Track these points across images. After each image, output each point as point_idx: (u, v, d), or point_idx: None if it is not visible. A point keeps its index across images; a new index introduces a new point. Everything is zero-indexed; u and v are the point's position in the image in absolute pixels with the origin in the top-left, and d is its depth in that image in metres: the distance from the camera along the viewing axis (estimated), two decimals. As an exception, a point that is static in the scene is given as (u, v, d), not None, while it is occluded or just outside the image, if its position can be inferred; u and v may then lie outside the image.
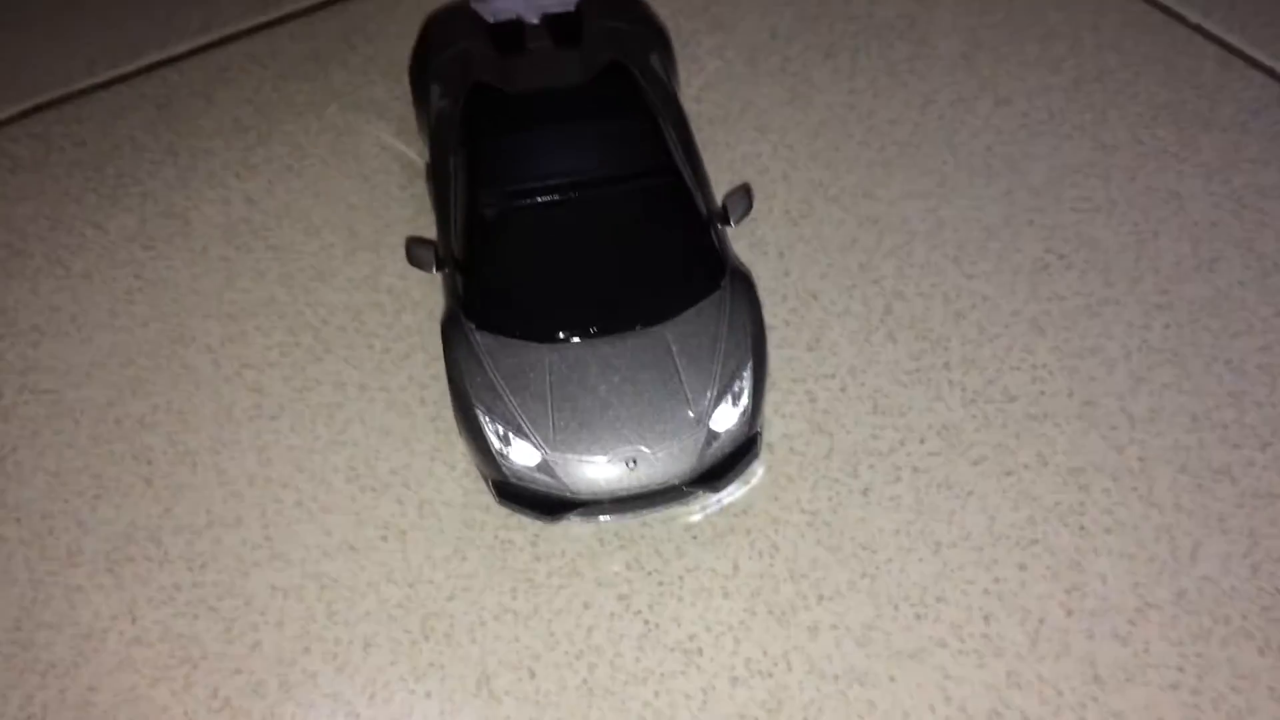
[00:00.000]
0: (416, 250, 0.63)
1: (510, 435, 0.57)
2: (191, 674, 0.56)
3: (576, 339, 0.59)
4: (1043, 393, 0.65)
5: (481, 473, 0.60)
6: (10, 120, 0.84)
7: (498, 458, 0.57)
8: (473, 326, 0.60)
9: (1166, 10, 0.85)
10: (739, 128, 0.80)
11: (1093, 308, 0.68)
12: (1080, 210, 0.73)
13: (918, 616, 0.56)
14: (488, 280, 0.61)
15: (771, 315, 0.68)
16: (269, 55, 0.87)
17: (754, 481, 0.61)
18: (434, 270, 0.63)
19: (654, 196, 0.63)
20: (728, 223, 0.64)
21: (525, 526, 0.60)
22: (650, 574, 0.58)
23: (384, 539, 0.60)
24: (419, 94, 0.74)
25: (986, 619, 0.56)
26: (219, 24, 0.90)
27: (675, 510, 0.60)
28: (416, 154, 0.78)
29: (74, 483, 0.63)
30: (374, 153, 0.80)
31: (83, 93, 0.85)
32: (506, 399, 0.58)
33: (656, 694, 0.55)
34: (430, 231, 0.73)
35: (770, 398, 0.64)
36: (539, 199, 0.63)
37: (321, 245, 0.74)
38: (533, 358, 0.59)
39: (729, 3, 0.88)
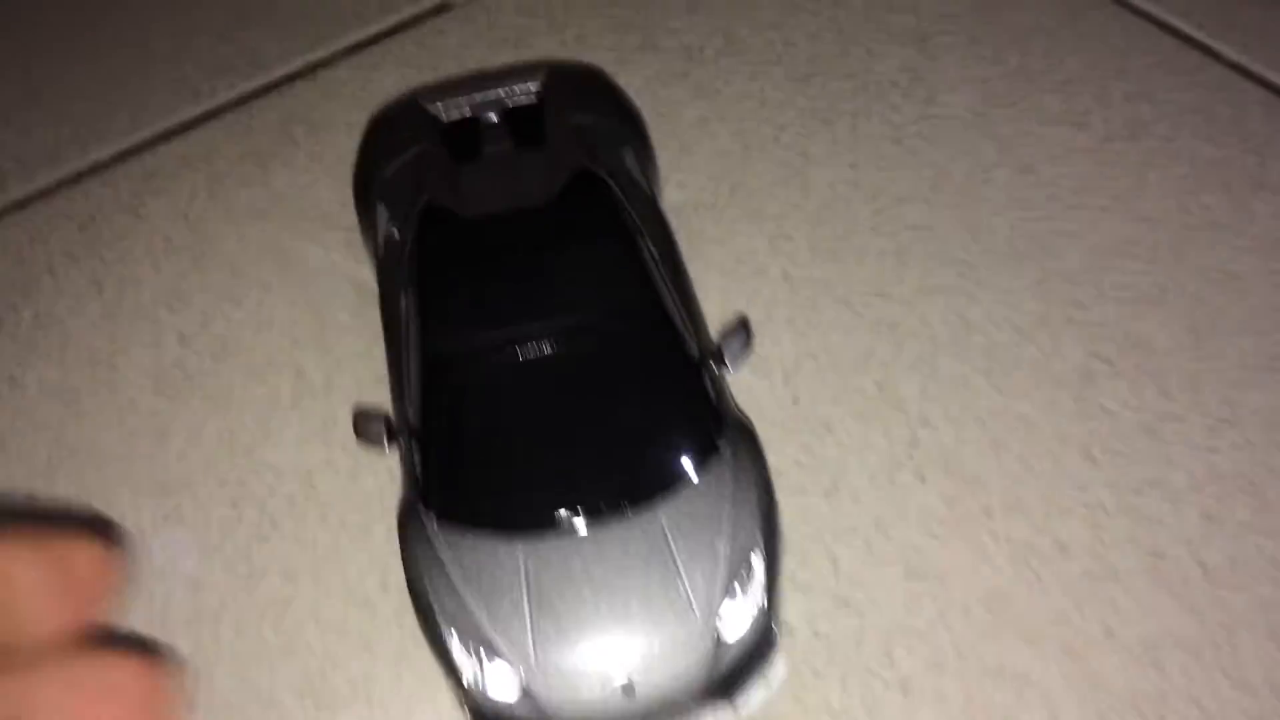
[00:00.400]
0: (365, 424, 0.54)
1: (484, 655, 0.49)
2: None
3: (556, 530, 0.50)
4: (1102, 542, 0.56)
5: (456, 695, 0.51)
6: (-87, 254, 0.75)
7: (471, 688, 0.49)
8: (433, 519, 0.51)
9: (1202, 47, 0.75)
10: (730, 216, 0.70)
11: (1150, 425, 0.59)
12: (1125, 301, 0.64)
13: None
14: (448, 459, 0.52)
15: (780, 455, 0.59)
16: (203, 156, 0.78)
17: (774, 681, 0.52)
18: (386, 448, 0.54)
19: (637, 342, 0.54)
20: (724, 365, 0.55)
21: (509, 752, 0.52)
22: (657, 807, 0.50)
23: (347, 776, 0.52)
24: (364, 213, 0.65)
25: None
26: (147, 121, 0.81)
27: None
28: (369, 272, 0.69)
29: None
30: (322, 270, 0.71)
31: (-6, 215, 0.76)
32: (477, 612, 0.49)
33: None
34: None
35: (786, 562, 0.55)
36: (503, 353, 0.53)
37: (265, 391, 0.65)
38: (505, 556, 0.50)
39: (710, 65, 0.79)
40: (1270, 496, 0.56)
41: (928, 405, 0.61)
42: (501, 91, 0.66)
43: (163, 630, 0.57)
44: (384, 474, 0.61)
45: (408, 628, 0.55)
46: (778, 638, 0.51)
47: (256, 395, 0.65)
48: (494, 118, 0.65)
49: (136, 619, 0.57)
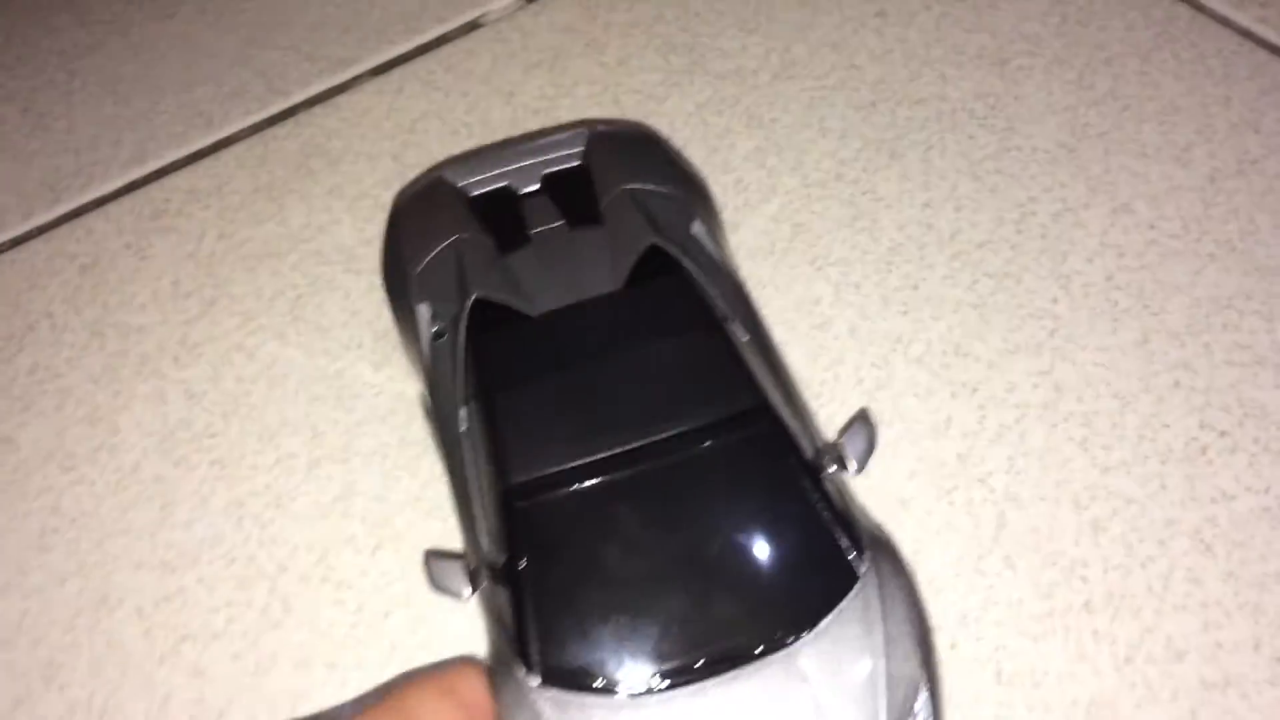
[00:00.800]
0: (438, 567, 0.46)
1: None
2: None
3: (680, 685, 0.42)
4: (1220, 645, 0.49)
5: None
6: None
7: None
8: (532, 680, 0.43)
9: (1315, 71, 0.68)
10: (790, 262, 0.64)
11: (1273, 511, 0.52)
12: (1239, 364, 0.57)
13: None
14: (545, 610, 0.44)
15: (851, 538, 0.53)
16: (213, 189, 0.72)
17: None
18: (469, 596, 0.46)
19: (747, 450, 0.46)
20: (846, 469, 0.47)
21: None
22: None
23: None
24: (401, 316, 0.57)
25: None
26: (154, 150, 0.75)
27: None
28: (389, 322, 0.63)
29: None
30: (341, 320, 0.65)
31: (-10, 253, 0.71)
32: None
33: None
34: (415, 435, 0.58)
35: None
36: (595, 476, 0.45)
37: (278, 456, 0.59)
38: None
39: (765, 90, 0.72)
40: None
41: (1016, 481, 0.54)
42: (539, 156, 0.59)
43: (160, 734, 0.51)
44: (406, 549, 0.55)
45: (433, 736, 0.49)
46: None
47: (268, 461, 0.59)
48: (534, 186, 0.58)
49: (134, 716, 0.51)
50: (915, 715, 0.42)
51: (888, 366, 0.59)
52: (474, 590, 0.46)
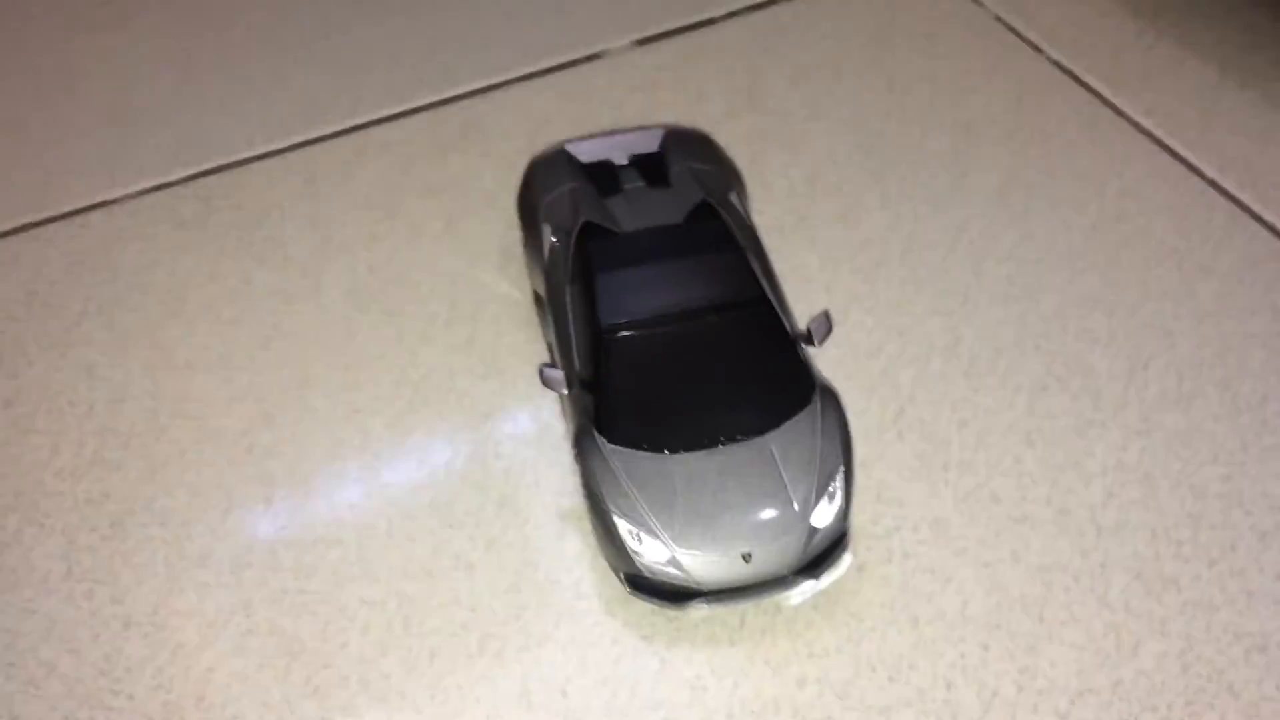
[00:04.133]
0: (548, 373, 0.73)
1: (642, 535, 0.68)
2: (291, 664, 0.69)
3: (696, 450, 0.70)
4: (1025, 498, 0.75)
5: (613, 566, 0.70)
6: (178, 182, 0.99)
7: (632, 555, 0.68)
8: (605, 441, 0.71)
9: (1186, 163, 0.95)
10: (793, 239, 0.92)
11: (1080, 428, 0.79)
12: (1083, 340, 0.84)
13: (890, 679, 0.67)
14: (615, 400, 0.72)
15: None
16: (401, 141, 1.02)
17: (843, 566, 0.71)
18: (566, 391, 0.74)
19: (749, 323, 0.74)
20: (812, 344, 0.74)
21: (571, 569, 0.73)
22: (671, 620, 0.70)
23: (455, 568, 0.73)
24: (529, 230, 0.84)
25: (948, 687, 0.67)
26: (362, 110, 1.05)
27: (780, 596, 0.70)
28: (514, 240, 0.91)
29: (210, 497, 0.77)
30: (478, 236, 0.94)
31: (242, 163, 1.01)
32: (639, 504, 0.68)
33: (665, 718, 0.66)
34: (519, 311, 0.86)
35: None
36: (652, 328, 0.74)
37: (428, 313, 0.88)
38: (660, 468, 0.69)
39: (798, 127, 1.01)
40: (1159, 486, 0.75)
41: (916, 389, 0.81)
42: (630, 143, 0.87)
43: (337, 458, 0.79)
44: (509, 378, 0.83)
45: (510, 484, 0.77)
46: (849, 537, 0.71)
47: (421, 315, 0.88)
48: (624, 161, 0.86)
49: (319, 450, 0.79)
50: (836, 481, 0.69)
51: (847, 312, 0.86)
52: (570, 390, 0.74)
